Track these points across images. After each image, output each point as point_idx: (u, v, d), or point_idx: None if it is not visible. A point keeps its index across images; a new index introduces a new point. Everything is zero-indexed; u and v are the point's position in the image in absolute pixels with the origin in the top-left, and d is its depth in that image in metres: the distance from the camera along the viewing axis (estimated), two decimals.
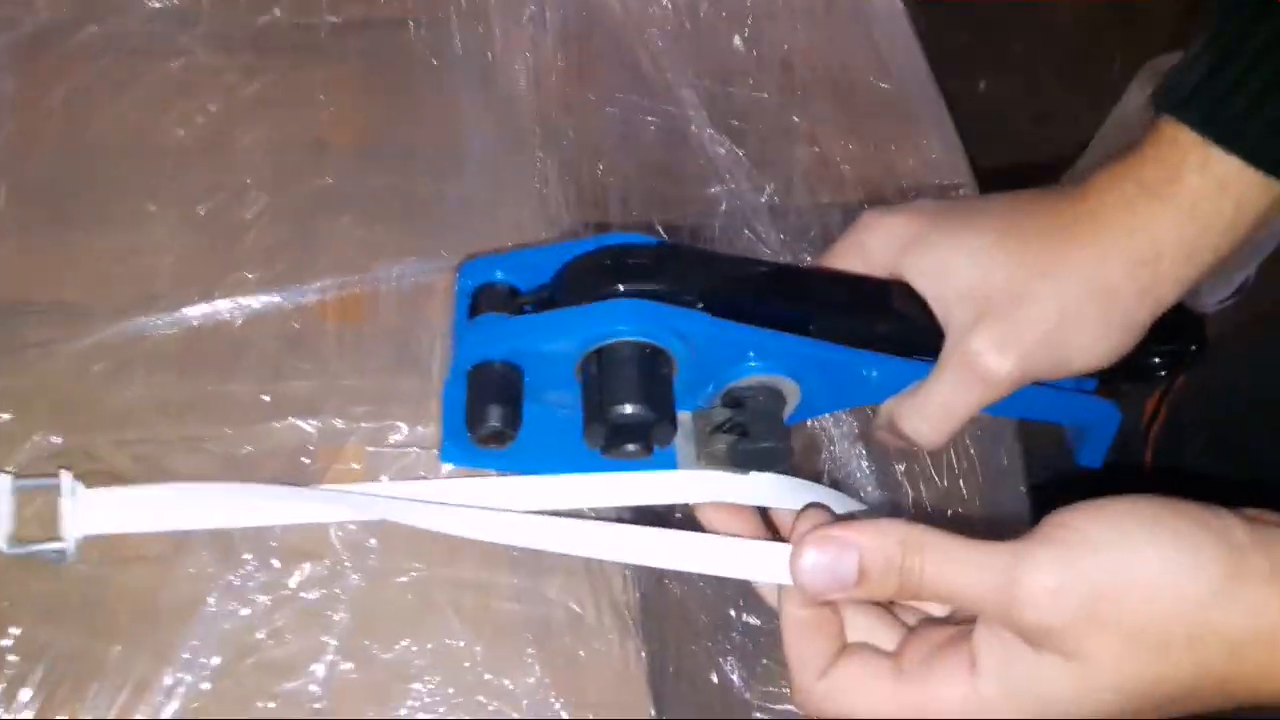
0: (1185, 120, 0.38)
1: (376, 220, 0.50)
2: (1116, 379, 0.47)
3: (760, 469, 0.40)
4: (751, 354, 0.40)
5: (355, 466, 0.44)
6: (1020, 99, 1.31)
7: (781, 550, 0.34)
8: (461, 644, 0.41)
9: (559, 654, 0.42)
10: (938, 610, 0.36)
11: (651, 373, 0.38)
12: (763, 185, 0.66)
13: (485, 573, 0.42)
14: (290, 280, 0.47)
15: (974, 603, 0.31)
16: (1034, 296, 0.39)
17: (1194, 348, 0.45)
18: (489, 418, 0.38)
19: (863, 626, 0.35)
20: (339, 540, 0.42)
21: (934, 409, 0.41)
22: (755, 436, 0.39)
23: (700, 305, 0.39)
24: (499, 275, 0.42)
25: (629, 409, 0.37)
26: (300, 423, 0.44)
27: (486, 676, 0.41)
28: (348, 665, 0.40)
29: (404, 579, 0.42)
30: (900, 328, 0.42)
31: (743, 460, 0.40)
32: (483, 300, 0.41)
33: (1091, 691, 0.30)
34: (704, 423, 0.41)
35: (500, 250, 0.45)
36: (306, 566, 0.42)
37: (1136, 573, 0.29)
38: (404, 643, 0.41)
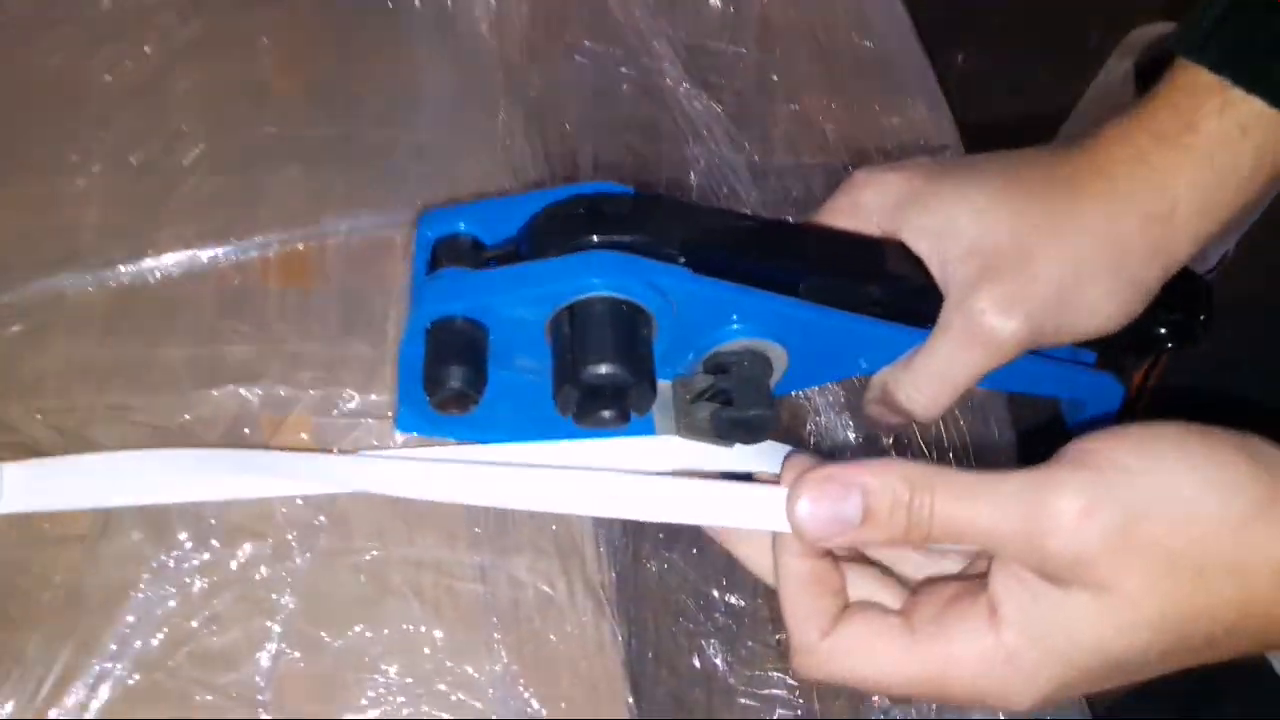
0: (1202, 62, 0.35)
1: (324, 171, 0.46)
2: (1119, 350, 0.45)
3: (746, 439, 0.37)
4: (735, 316, 0.37)
5: (303, 436, 0.40)
6: (999, 71, 1.29)
7: (776, 494, 0.31)
8: (421, 629, 0.38)
9: (528, 639, 0.39)
10: (949, 567, 0.33)
11: (630, 331, 0.35)
12: (742, 143, 0.62)
13: (446, 551, 0.39)
14: (229, 235, 0.43)
15: (992, 537, 0.28)
16: (1042, 253, 0.37)
17: (1202, 318, 0.43)
18: (449, 378, 0.34)
19: (864, 590, 0.32)
20: (285, 517, 0.39)
21: (931, 376, 0.38)
22: (741, 404, 0.37)
23: (682, 260, 0.36)
24: (462, 227, 0.39)
25: (604, 369, 0.34)
26: (240, 390, 0.40)
27: (448, 664, 0.37)
28: (295, 654, 0.37)
29: (357, 559, 0.39)
30: (896, 290, 0.39)
31: (727, 429, 0.37)
32: (444, 253, 0.38)
33: (1127, 629, 0.27)
34: (684, 390, 0.38)
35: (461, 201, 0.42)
36: (249, 546, 0.38)
37: (1172, 493, 0.27)
38: (357, 629, 0.38)
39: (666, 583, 0.44)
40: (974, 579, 0.31)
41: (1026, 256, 0.37)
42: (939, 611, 0.30)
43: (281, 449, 0.40)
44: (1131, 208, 0.37)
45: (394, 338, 0.42)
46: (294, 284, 0.43)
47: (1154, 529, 0.27)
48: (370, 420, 0.41)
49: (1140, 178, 0.36)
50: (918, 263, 0.39)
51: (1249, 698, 0.56)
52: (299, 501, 0.39)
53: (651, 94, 0.60)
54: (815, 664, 0.31)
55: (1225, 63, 0.35)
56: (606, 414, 0.35)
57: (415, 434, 0.38)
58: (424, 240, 0.39)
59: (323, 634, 0.38)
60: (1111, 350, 0.45)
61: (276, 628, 0.37)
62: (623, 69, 0.59)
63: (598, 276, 0.34)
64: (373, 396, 0.41)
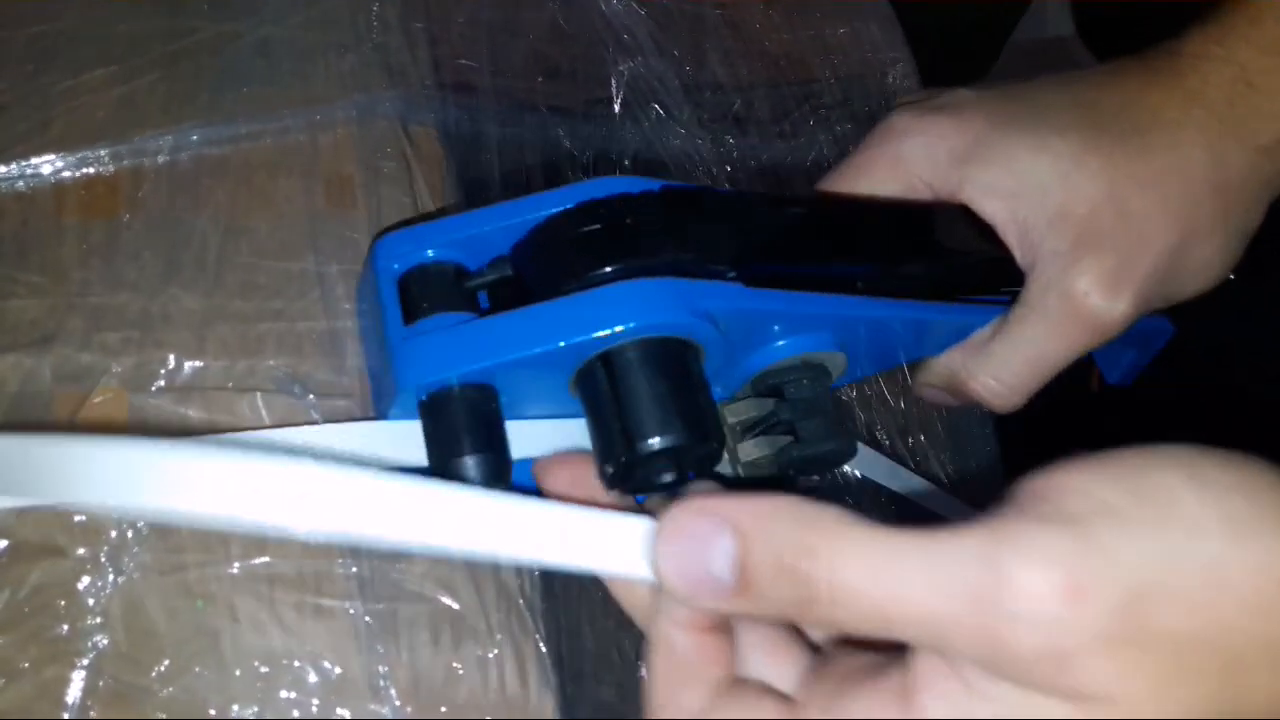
0: None
1: (139, 74, 0.36)
2: None
3: (820, 474, 0.32)
4: (789, 328, 0.31)
5: (114, 418, 0.31)
6: None
7: (642, 527, 0.23)
8: (282, 664, 0.29)
9: (426, 670, 0.30)
10: None
11: (684, 379, 0.28)
12: (671, 52, 0.54)
13: (311, 560, 0.30)
14: (9, 157, 0.34)
15: (926, 626, 0.20)
16: (1145, 213, 0.31)
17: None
18: (465, 472, 0.28)
19: (755, 661, 0.24)
20: (89, 525, 0.29)
21: (1019, 362, 0.33)
22: (809, 437, 0.31)
23: (732, 275, 0.30)
24: (430, 254, 0.31)
25: (662, 439, 0.27)
26: (25, 359, 0.31)
27: (314, 709, 0.29)
28: (110, 711, 0.28)
29: (190, 577, 0.30)
30: (962, 267, 0.34)
31: (798, 468, 0.31)
32: (418, 290, 0.30)
33: None
34: (734, 420, 0.32)
35: (427, 217, 0.34)
36: (43, 566, 0.29)
37: (1189, 552, 0.19)
38: (195, 670, 0.29)
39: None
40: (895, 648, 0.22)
41: (1128, 218, 0.31)
42: (834, 691, 0.22)
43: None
44: (1237, 142, 0.31)
45: (232, 285, 0.33)
46: (98, 218, 0.33)
47: (1167, 610, 0.19)
48: (206, 392, 0.32)
49: (1245, 102, 0.31)
50: (985, 230, 0.33)
51: None
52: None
53: None
54: None
55: None
56: (665, 479, 0.29)
57: None
58: (387, 274, 0.30)
59: (147, 680, 0.29)
60: None
61: (82, 676, 0.28)
62: None
63: (638, 317, 0.27)
64: (201, 362, 0.32)
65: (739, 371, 0.32)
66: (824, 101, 0.58)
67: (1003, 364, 0.33)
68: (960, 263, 0.34)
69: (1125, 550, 0.19)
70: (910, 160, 0.34)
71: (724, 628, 0.24)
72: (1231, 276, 0.35)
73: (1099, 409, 0.62)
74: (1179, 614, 0.19)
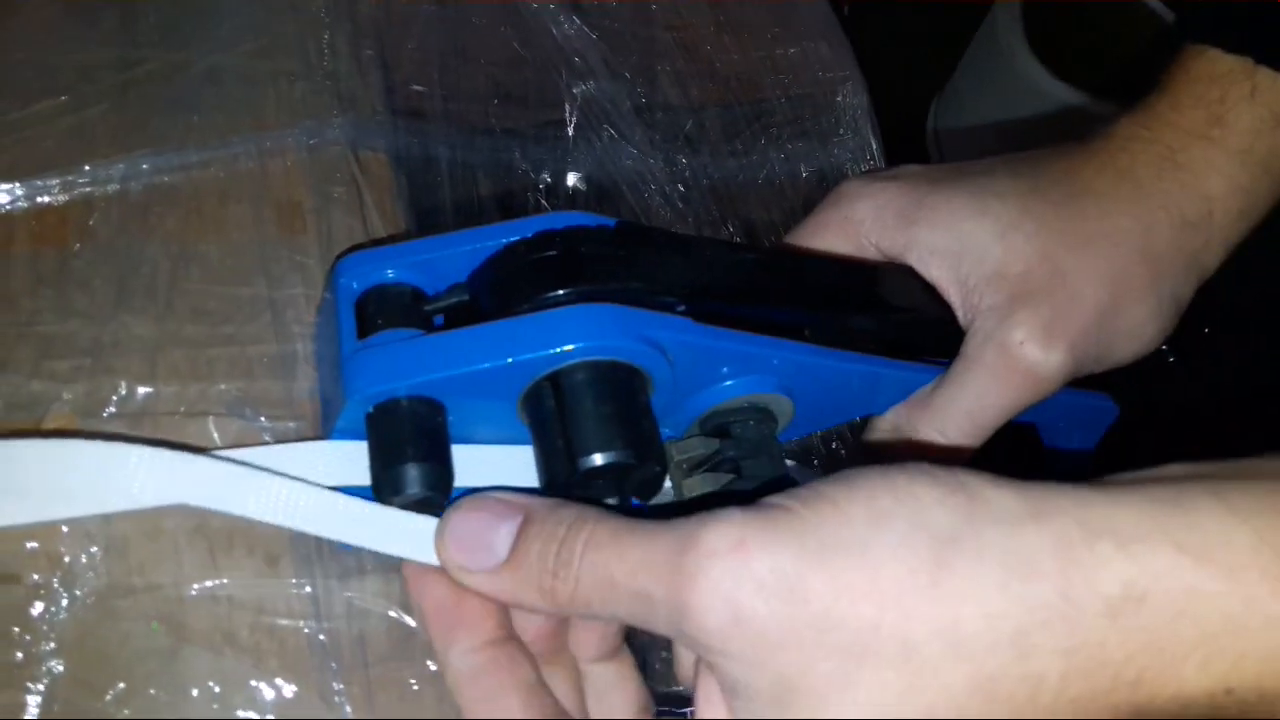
0: (1223, 45, 0.33)
1: (87, 103, 0.37)
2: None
3: None
4: (736, 369, 0.32)
5: None
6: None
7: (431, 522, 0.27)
8: (237, 684, 0.30)
9: (381, 686, 0.31)
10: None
11: (628, 401, 0.29)
12: (623, 75, 0.55)
13: (262, 580, 0.31)
14: None
15: (639, 591, 0.23)
16: (1077, 272, 0.33)
17: (1205, 330, 0.38)
18: (406, 483, 0.28)
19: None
20: (43, 550, 0.30)
21: (960, 414, 0.34)
22: (751, 474, 0.32)
23: (681, 308, 0.31)
24: (390, 274, 0.32)
25: (605, 456, 0.28)
26: None
27: None
28: None
29: (145, 600, 0.30)
30: (906, 324, 0.35)
31: (739, 504, 0.31)
32: (374, 309, 0.31)
33: None
34: (681, 457, 0.33)
35: (378, 243, 0.35)
36: None
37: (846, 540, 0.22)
38: (150, 693, 0.29)
39: None
40: None
41: (1060, 277, 0.33)
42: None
43: None
44: (1164, 215, 0.33)
45: (183, 311, 0.34)
46: (48, 247, 0.34)
47: (827, 581, 0.21)
48: (158, 417, 0.32)
49: (1171, 179, 0.33)
50: (928, 290, 0.35)
51: None
52: (64, 529, 0.30)
53: (511, 15, 0.53)
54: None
55: (1250, 42, 0.32)
56: (608, 503, 0.29)
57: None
58: (346, 292, 0.31)
59: (102, 703, 0.29)
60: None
61: (37, 702, 0.29)
62: None
63: (586, 339, 0.28)
64: (153, 388, 0.32)
65: (687, 410, 0.33)
66: (775, 120, 0.59)
67: (945, 416, 0.34)
68: (904, 320, 0.35)
69: (794, 521, 0.22)
70: (860, 222, 0.36)
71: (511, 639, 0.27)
72: (1164, 348, 0.36)
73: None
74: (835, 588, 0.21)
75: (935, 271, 0.34)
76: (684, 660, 0.27)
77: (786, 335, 0.33)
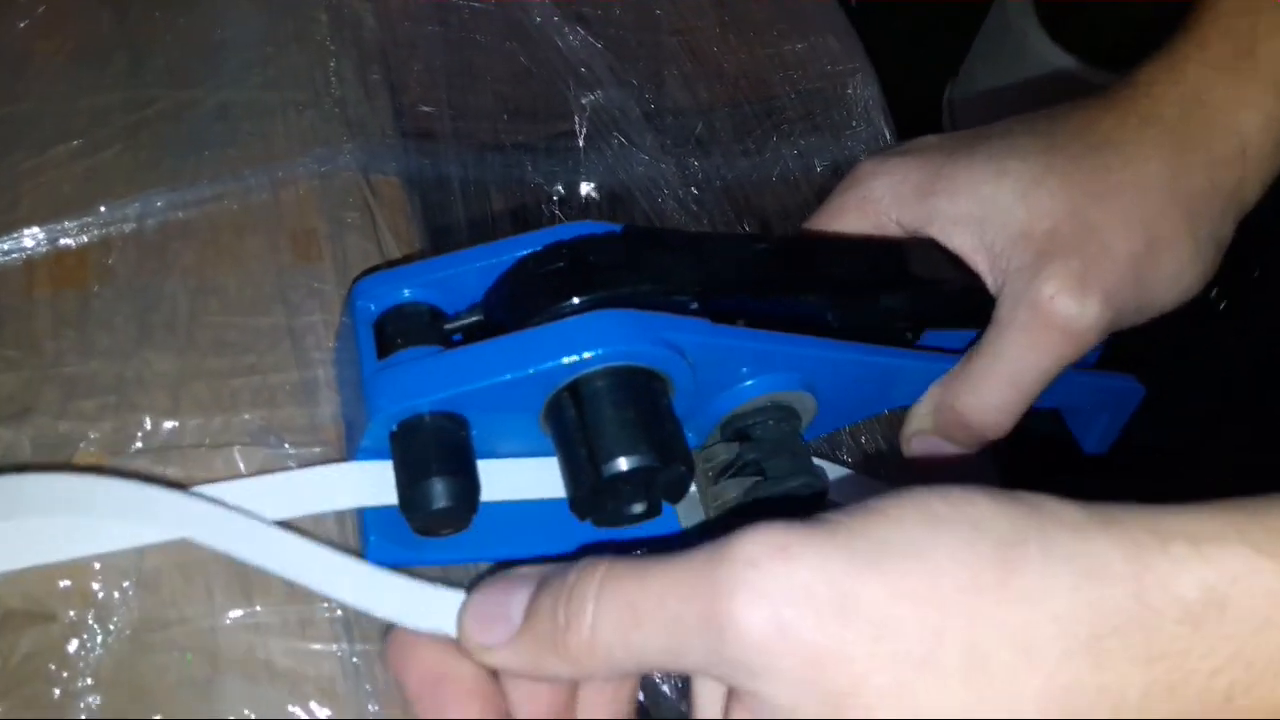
0: None
1: (100, 146, 0.37)
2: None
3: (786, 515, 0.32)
4: (756, 369, 0.32)
5: None
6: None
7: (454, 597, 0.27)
8: (273, 709, 0.30)
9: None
10: None
11: (650, 405, 0.29)
12: (630, 82, 0.55)
13: (295, 606, 0.31)
14: None
15: (666, 628, 0.21)
16: (1107, 222, 0.32)
17: (1257, 273, 0.37)
18: (434, 498, 0.28)
19: None
20: (75, 589, 0.30)
21: (1000, 381, 0.33)
22: (775, 475, 0.31)
23: (695, 306, 0.31)
24: (407, 294, 0.32)
25: (629, 461, 0.28)
26: (4, 432, 0.32)
27: None
28: None
29: (179, 633, 0.31)
30: (934, 298, 0.34)
31: (767, 508, 0.31)
32: (393, 329, 0.31)
33: None
34: (706, 464, 0.33)
35: (393, 264, 0.35)
36: (32, 633, 0.30)
37: (907, 539, 0.21)
38: None
39: None
40: None
41: (1089, 229, 0.32)
42: None
43: None
44: (1194, 155, 0.32)
45: (204, 343, 0.34)
46: (68, 289, 0.34)
47: (884, 589, 0.20)
48: (184, 450, 0.33)
49: (1197, 118, 0.32)
50: (953, 260, 0.34)
51: None
52: (96, 566, 0.31)
53: (515, 30, 0.53)
54: None
55: None
56: (636, 509, 0.30)
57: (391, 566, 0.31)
58: (364, 314, 0.32)
59: None
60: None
61: None
62: (477, 3, 0.52)
63: (605, 344, 0.28)
64: (177, 422, 0.33)
65: (709, 413, 0.33)
66: (786, 117, 0.59)
67: (984, 385, 0.33)
68: (932, 293, 0.34)
69: (842, 534, 0.21)
70: (878, 200, 0.35)
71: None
72: (1211, 294, 0.35)
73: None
74: (898, 596, 0.20)
75: (959, 240, 0.34)
76: (707, 702, 0.24)
77: (810, 325, 0.32)
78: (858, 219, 0.35)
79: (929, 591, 0.20)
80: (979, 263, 0.34)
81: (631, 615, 0.21)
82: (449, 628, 0.27)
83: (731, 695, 0.22)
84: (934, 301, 0.35)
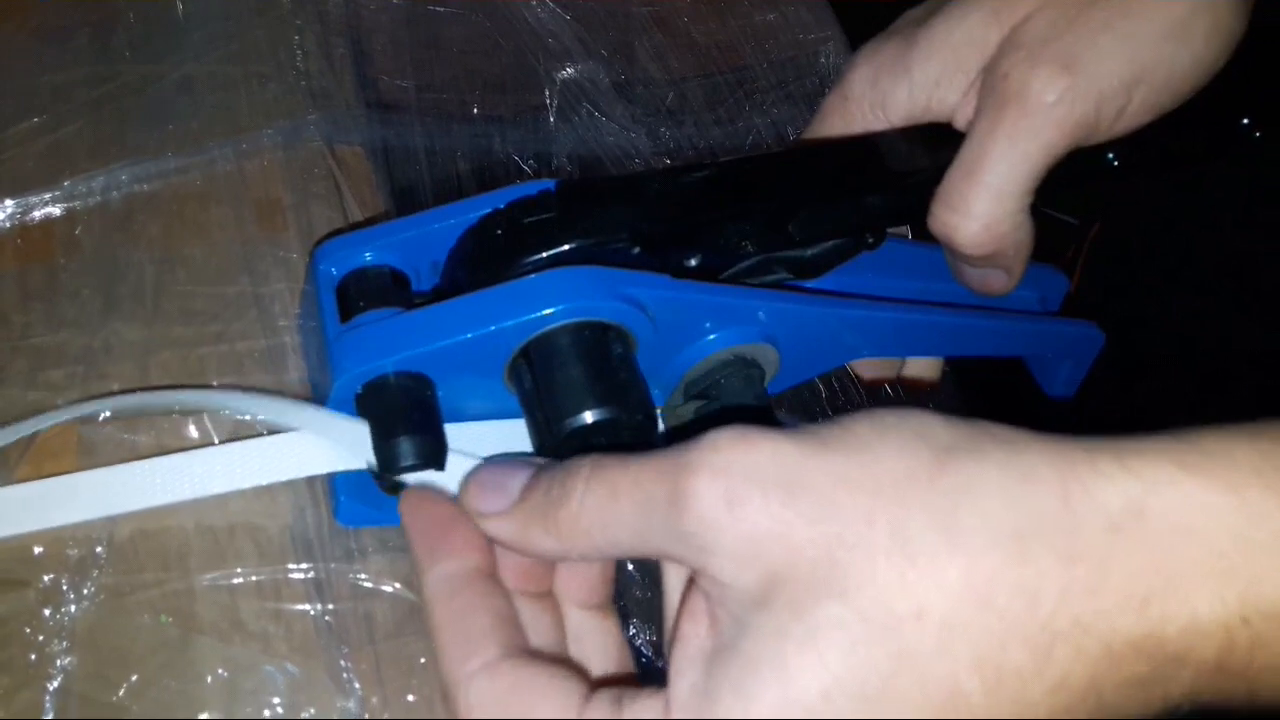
0: None
1: (64, 121, 0.38)
2: (1146, 162, 0.36)
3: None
4: (708, 323, 0.32)
5: (64, 450, 0.32)
6: None
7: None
8: (247, 669, 0.31)
9: (390, 662, 0.31)
10: None
11: (602, 357, 0.30)
12: (599, 52, 0.56)
13: (266, 568, 0.32)
14: None
15: (638, 511, 0.23)
16: (1092, 12, 0.30)
17: (1245, 122, 0.35)
18: (401, 455, 0.29)
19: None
20: (48, 554, 0.31)
21: (977, 188, 0.31)
22: (727, 395, 0.32)
23: (636, 250, 0.31)
24: (368, 257, 0.32)
25: (588, 416, 0.29)
26: None
27: (280, 709, 0.30)
28: None
29: (152, 594, 0.31)
30: (909, 188, 0.33)
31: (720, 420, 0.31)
32: (355, 292, 0.32)
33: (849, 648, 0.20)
34: (674, 422, 0.33)
35: (355, 227, 0.35)
36: (7, 599, 0.31)
37: (851, 436, 0.22)
38: (164, 682, 0.30)
39: None
40: None
41: (1069, 21, 0.30)
42: (618, 695, 0.24)
43: (39, 471, 0.32)
44: None
45: (171, 312, 0.35)
46: (35, 262, 0.35)
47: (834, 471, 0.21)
48: (154, 417, 0.33)
49: None
50: (933, 141, 0.33)
51: None
52: (68, 533, 0.31)
53: (483, 3, 0.53)
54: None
55: None
56: None
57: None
58: (326, 278, 0.32)
59: (117, 696, 0.30)
60: (1135, 162, 0.36)
61: (53, 699, 0.30)
62: None
63: (563, 301, 0.29)
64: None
65: (673, 367, 0.33)
66: (758, 86, 0.59)
67: (958, 198, 0.31)
68: (912, 184, 0.33)
69: (797, 434, 0.22)
70: (858, 97, 0.34)
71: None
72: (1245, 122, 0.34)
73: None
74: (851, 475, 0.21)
75: (941, 95, 0.32)
76: (671, 586, 0.25)
77: (770, 242, 0.32)
78: (841, 121, 0.35)
79: (868, 480, 0.21)
80: (966, 110, 0.32)
81: (611, 493, 0.23)
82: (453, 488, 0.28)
83: (690, 579, 0.24)
84: (919, 193, 0.33)
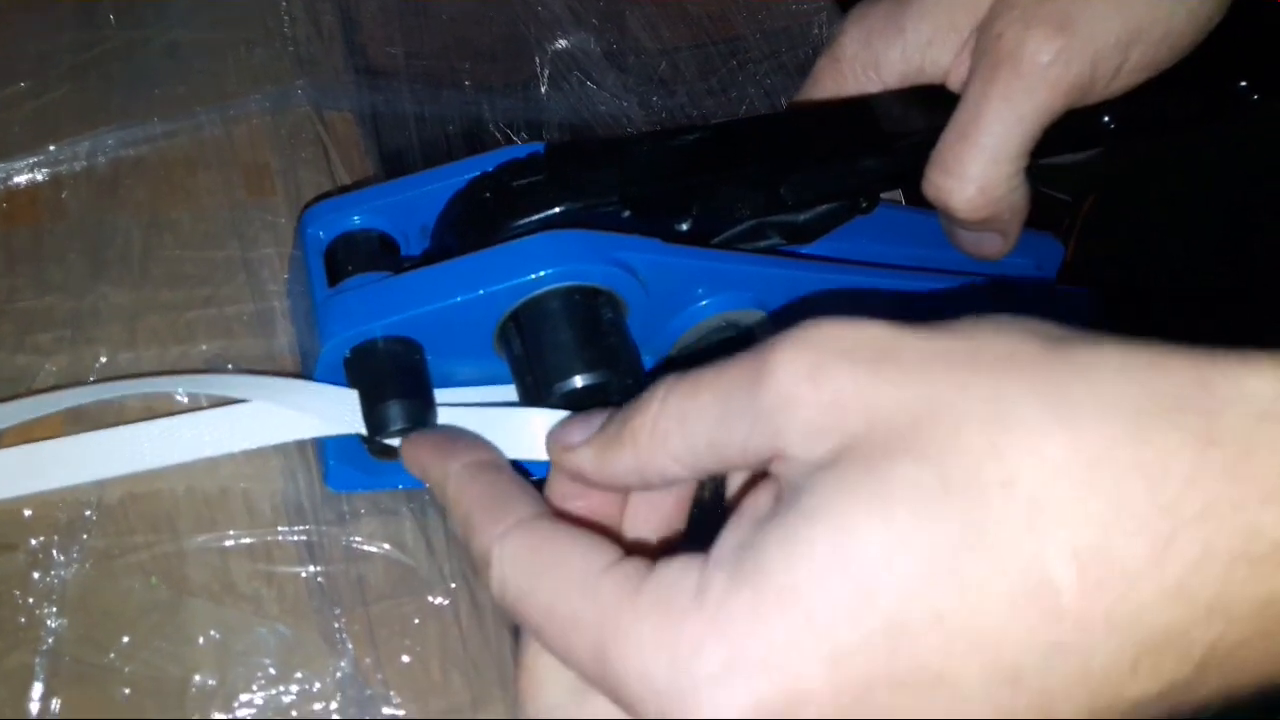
0: None
1: (49, 87, 0.38)
2: (1141, 124, 0.35)
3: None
4: (700, 289, 0.32)
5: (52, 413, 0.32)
6: None
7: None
8: (239, 631, 0.31)
9: (382, 622, 0.31)
10: None
11: (591, 321, 0.29)
12: (590, 21, 0.56)
13: (258, 529, 0.32)
14: None
15: (718, 405, 0.20)
16: None
17: (1244, 84, 0.35)
18: (390, 419, 0.29)
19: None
20: (37, 517, 0.31)
21: (971, 149, 0.30)
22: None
23: (627, 213, 0.31)
24: (357, 220, 0.32)
25: (577, 380, 0.29)
26: None
27: (272, 670, 0.30)
28: (73, 690, 0.29)
29: (142, 557, 0.31)
30: (914, 148, 0.33)
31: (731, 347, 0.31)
32: (343, 256, 0.31)
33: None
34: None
35: (344, 190, 0.35)
36: None
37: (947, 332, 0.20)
38: (155, 644, 0.30)
39: None
40: None
41: None
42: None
43: (27, 434, 0.32)
44: None
45: (159, 277, 0.35)
46: (21, 226, 0.35)
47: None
48: (141, 380, 0.33)
49: None
50: (926, 103, 0.33)
51: None
52: (57, 496, 0.31)
53: None
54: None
55: None
56: None
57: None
58: (314, 242, 0.32)
59: (108, 658, 0.30)
60: (1130, 127, 0.35)
61: (44, 662, 0.30)
62: None
63: (553, 265, 0.29)
64: (134, 353, 0.33)
65: (668, 333, 0.33)
66: (751, 56, 0.59)
67: (954, 161, 0.31)
68: (905, 146, 0.33)
69: (898, 324, 0.20)
70: (850, 59, 0.34)
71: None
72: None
73: None
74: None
75: (934, 56, 0.32)
76: (734, 484, 0.23)
77: (765, 205, 0.32)
78: (833, 83, 0.34)
79: (966, 358, 0.18)
80: (961, 69, 0.32)
81: (692, 389, 0.21)
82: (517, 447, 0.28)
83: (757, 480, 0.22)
84: (913, 154, 0.33)
